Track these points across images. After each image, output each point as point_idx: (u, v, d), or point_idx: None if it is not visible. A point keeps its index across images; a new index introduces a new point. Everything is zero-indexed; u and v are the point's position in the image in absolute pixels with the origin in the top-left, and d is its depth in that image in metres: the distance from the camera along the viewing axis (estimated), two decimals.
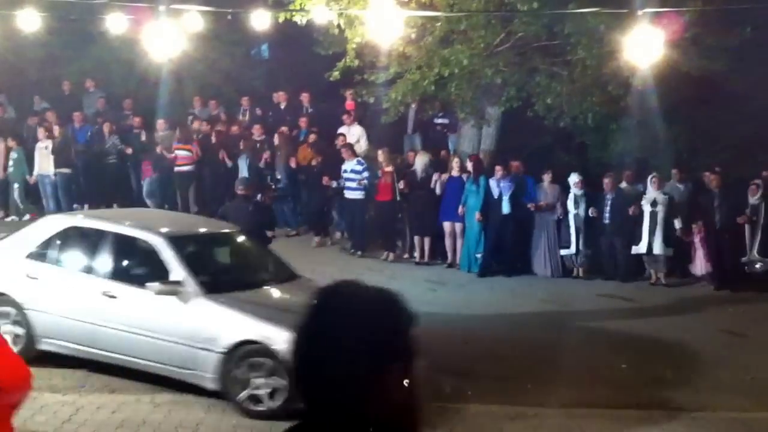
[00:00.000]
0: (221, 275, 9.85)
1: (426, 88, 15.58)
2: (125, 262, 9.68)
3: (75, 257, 9.87)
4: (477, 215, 15.27)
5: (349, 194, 16.31)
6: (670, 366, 10.30)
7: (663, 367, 10.24)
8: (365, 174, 16.14)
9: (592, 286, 14.89)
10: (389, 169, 15.97)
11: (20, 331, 9.48)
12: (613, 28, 13.48)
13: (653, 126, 15.93)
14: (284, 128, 17.92)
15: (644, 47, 10.92)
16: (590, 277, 15.34)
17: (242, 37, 19.31)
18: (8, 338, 9.11)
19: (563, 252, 15.47)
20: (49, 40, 18.16)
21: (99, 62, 19.66)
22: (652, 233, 14.77)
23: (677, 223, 14.95)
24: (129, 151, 18.25)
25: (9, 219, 17.81)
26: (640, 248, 14.92)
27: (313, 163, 16.87)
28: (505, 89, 15.89)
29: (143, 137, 18.21)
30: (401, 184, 15.77)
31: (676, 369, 10.21)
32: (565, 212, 15.43)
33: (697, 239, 15.00)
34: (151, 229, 9.62)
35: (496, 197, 15.32)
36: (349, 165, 16.26)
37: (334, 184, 16.51)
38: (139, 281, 9.17)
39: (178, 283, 8.88)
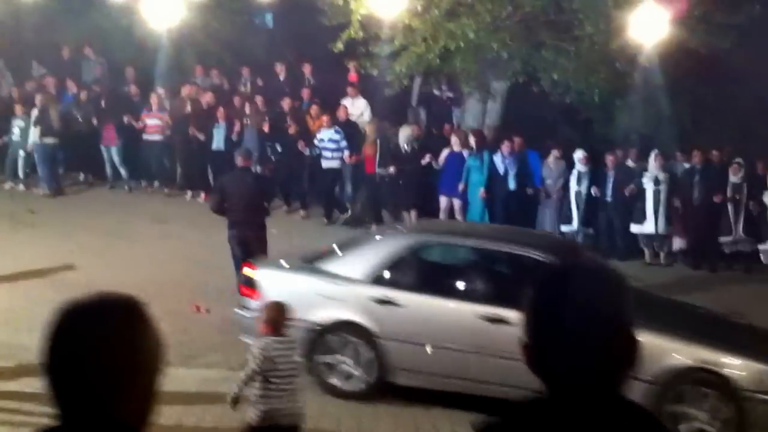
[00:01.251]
0: None
1: (431, 61, 15.45)
2: (510, 283, 8.64)
3: (438, 278, 9.06)
4: (481, 191, 15.13)
5: (325, 163, 16.28)
6: None
7: None
8: (344, 143, 16.08)
9: None
10: (372, 140, 15.88)
11: (368, 362, 8.67)
12: (621, 4, 13.30)
13: (659, 103, 15.77)
14: (259, 98, 17.63)
15: (649, 25, 10.75)
16: None
17: (245, 6, 19.02)
18: (348, 369, 8.64)
19: (564, 228, 15.33)
20: (48, 4, 17.90)
21: (98, 29, 19.35)
22: (655, 212, 14.66)
23: (677, 201, 14.86)
24: (94, 121, 17.87)
25: (8, 186, 17.58)
26: (644, 228, 14.80)
27: (291, 131, 16.66)
28: (511, 63, 15.74)
29: (103, 104, 17.89)
30: (391, 169, 15.63)
31: None
32: (567, 188, 15.31)
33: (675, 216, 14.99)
34: (536, 246, 8.85)
35: (501, 173, 15.19)
36: (327, 134, 16.21)
37: (308, 151, 16.44)
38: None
39: None
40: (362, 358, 8.68)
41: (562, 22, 15.28)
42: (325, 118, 16.37)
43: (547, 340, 2.00)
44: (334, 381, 8.72)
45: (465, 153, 15.40)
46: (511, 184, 15.20)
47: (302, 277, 9.12)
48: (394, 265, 8.89)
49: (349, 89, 17.51)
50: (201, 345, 9.53)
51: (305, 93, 17.90)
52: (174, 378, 8.52)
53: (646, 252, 15.03)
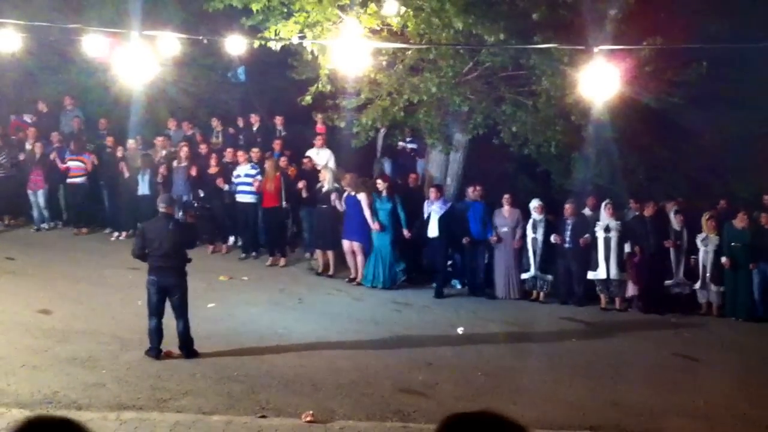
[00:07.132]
0: None
1: (396, 114, 15.95)
2: None
3: None
4: (405, 233, 15.80)
5: (241, 198, 17.04)
6: (626, 389, 10.66)
7: (619, 391, 10.59)
8: (259, 177, 16.81)
9: (550, 309, 15.33)
10: (276, 174, 16.62)
11: None
12: (575, 61, 13.91)
13: (613, 155, 16.41)
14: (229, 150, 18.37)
15: (600, 82, 11.24)
16: (548, 301, 15.80)
17: (218, 61, 19.64)
18: None
19: (523, 276, 15.91)
20: (28, 60, 18.44)
21: (76, 83, 19.92)
22: (606, 259, 15.26)
23: (627, 248, 15.43)
24: (21, 156, 18.72)
25: None
26: (598, 274, 15.39)
27: (212, 171, 17.37)
28: (472, 117, 16.28)
29: (36, 150, 18.57)
30: (300, 184, 16.47)
31: (631, 392, 10.55)
32: (524, 236, 15.88)
33: (629, 263, 15.54)
34: None
35: (425, 218, 15.87)
36: (243, 169, 16.95)
37: (226, 187, 17.18)
38: None
39: None
40: None
41: (521, 77, 15.89)
42: (241, 154, 17.12)
43: None
44: None
45: (361, 197, 15.92)
46: (434, 230, 15.73)
47: None
48: None
49: (316, 140, 18.11)
50: (174, 389, 9.91)
51: (276, 144, 18.50)
52: (147, 421, 8.98)
53: (602, 297, 15.54)
